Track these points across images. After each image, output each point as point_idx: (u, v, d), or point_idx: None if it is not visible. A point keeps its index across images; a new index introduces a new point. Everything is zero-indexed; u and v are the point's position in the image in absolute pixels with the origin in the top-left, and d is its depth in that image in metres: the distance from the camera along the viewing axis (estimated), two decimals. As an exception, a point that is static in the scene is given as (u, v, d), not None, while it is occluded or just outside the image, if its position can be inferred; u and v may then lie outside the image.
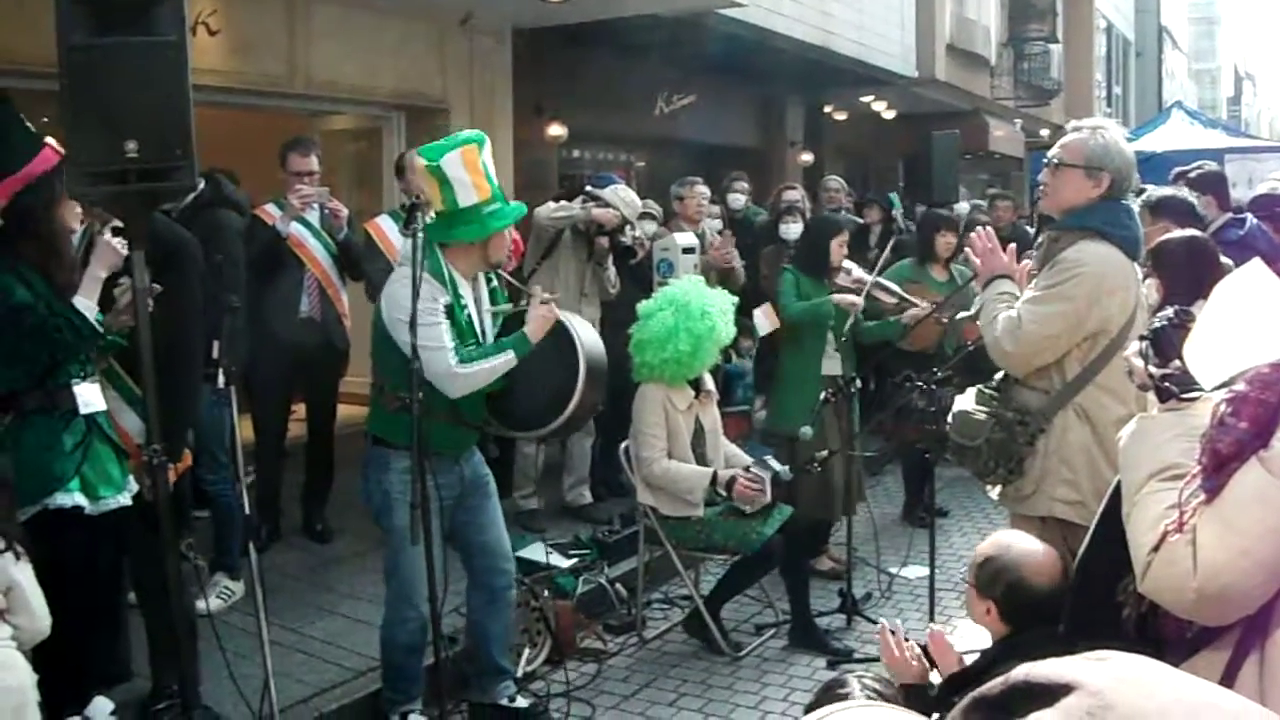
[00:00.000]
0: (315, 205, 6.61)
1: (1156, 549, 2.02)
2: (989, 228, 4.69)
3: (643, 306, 6.05)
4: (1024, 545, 3.38)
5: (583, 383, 4.55)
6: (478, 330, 4.59)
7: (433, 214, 4.43)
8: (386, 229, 6.94)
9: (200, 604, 5.53)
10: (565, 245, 7.39)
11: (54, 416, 4.12)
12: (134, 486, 4.31)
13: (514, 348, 4.46)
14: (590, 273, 7.47)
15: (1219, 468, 1.96)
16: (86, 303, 4.10)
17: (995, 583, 3.30)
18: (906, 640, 3.47)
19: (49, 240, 4.21)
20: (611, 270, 7.51)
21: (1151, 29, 37.10)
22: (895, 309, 6.90)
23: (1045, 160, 4.33)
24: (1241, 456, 1.94)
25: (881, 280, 6.85)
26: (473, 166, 4.36)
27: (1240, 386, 1.96)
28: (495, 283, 4.83)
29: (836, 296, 6.66)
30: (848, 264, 6.82)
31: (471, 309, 4.58)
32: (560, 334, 4.62)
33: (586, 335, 4.69)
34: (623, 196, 7.49)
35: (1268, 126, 73.72)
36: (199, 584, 4.96)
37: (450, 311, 4.40)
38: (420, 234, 4.18)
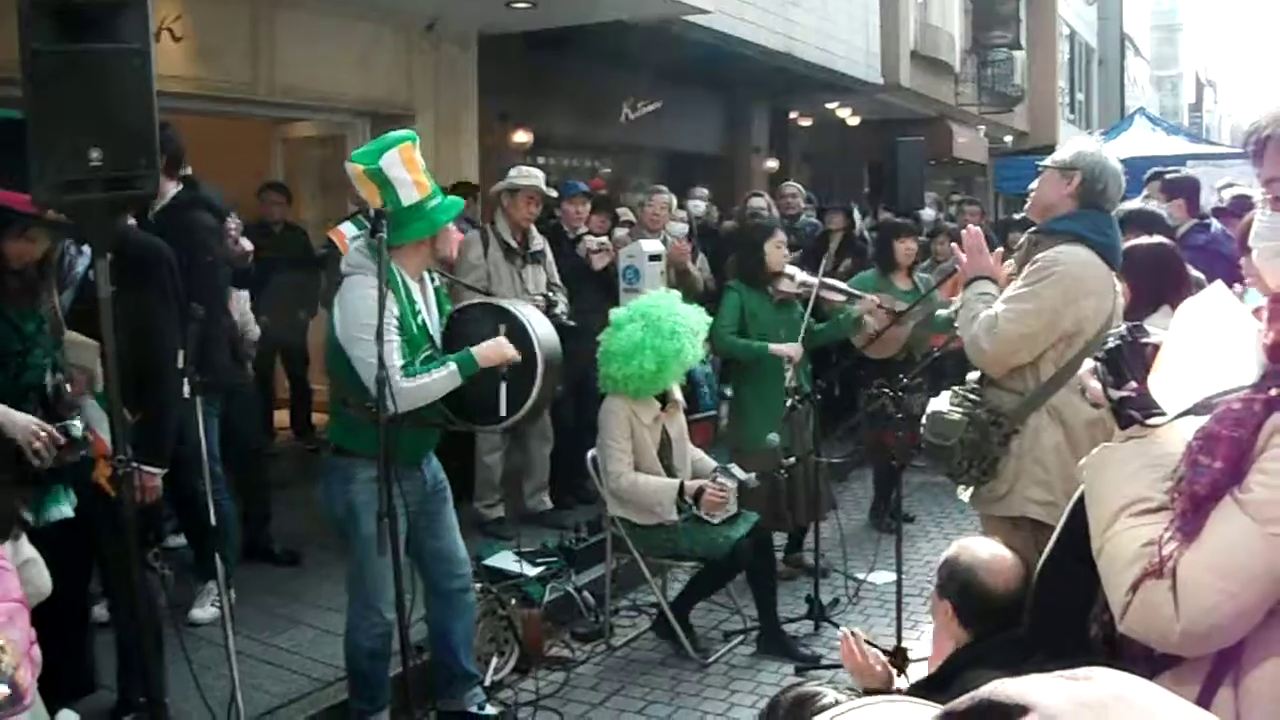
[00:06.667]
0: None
1: (1135, 588, 1.99)
2: (977, 227, 4.76)
3: (615, 314, 6.02)
4: (985, 548, 3.42)
5: (540, 374, 4.53)
6: (432, 332, 4.58)
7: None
8: (348, 235, 6.86)
9: (196, 612, 5.68)
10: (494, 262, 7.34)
11: None
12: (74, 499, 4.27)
13: (459, 363, 4.38)
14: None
15: (1196, 509, 1.94)
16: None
17: (951, 581, 3.35)
18: (871, 645, 3.49)
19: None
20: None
21: (1114, 36, 37.42)
22: (843, 305, 6.90)
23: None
24: (1217, 496, 1.92)
25: (828, 280, 6.82)
26: (411, 164, 4.39)
27: (1211, 425, 1.95)
28: (438, 282, 4.82)
29: (774, 347, 6.61)
30: (790, 269, 6.82)
31: (425, 312, 4.58)
32: (514, 326, 4.59)
33: (540, 327, 4.66)
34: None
35: (1229, 133, 74.45)
36: (165, 593, 4.91)
37: (402, 321, 4.37)
38: (383, 242, 4.16)
